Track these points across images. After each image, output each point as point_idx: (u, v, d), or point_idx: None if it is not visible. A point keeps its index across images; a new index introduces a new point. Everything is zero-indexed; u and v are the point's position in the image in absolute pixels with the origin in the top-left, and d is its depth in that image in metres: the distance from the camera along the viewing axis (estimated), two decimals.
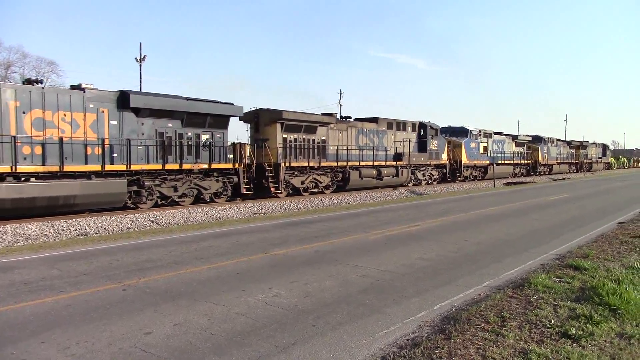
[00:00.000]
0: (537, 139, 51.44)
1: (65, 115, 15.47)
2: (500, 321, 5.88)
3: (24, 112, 14.60)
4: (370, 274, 8.34)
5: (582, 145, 65.19)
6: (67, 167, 15.30)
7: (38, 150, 14.88)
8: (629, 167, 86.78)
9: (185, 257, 9.72)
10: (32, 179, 14.62)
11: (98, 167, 16.03)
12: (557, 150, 55.51)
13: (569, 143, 62.37)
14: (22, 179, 14.44)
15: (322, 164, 24.21)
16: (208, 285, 7.66)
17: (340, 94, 75.80)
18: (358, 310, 6.46)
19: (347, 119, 27.46)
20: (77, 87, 16.23)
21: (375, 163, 27.39)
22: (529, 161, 48.93)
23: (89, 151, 15.95)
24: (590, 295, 6.61)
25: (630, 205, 19.80)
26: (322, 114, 25.58)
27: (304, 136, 23.78)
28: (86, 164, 15.80)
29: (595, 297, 6.49)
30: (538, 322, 5.85)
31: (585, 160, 64.27)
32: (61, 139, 15.15)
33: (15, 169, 14.24)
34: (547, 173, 51.72)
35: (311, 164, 23.71)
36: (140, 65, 41.39)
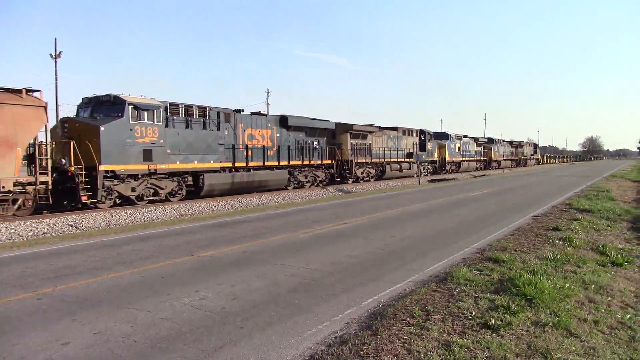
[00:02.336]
0: (490, 140, 63.59)
1: (259, 132, 24.11)
2: (424, 315, 6.06)
3: (244, 130, 23.16)
4: (299, 273, 8.35)
5: (519, 145, 78.46)
6: (269, 163, 24.69)
7: (250, 153, 23.40)
8: (542, 164, 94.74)
9: (106, 262, 9.33)
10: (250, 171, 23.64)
11: (275, 163, 25.19)
12: (503, 149, 68.38)
13: (510, 143, 75.19)
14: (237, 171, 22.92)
15: (373, 160, 34.28)
16: (131, 290, 7.39)
17: (268, 92, 75.26)
18: (287, 310, 6.45)
19: (381, 128, 36.34)
20: (258, 113, 25.17)
21: (399, 160, 37.62)
22: (485, 158, 60.10)
23: (269, 153, 24.70)
24: (508, 287, 6.94)
25: (544, 200, 21.00)
26: (365, 125, 34.23)
27: (361, 141, 32.84)
28: (265, 162, 24.45)
29: (513, 288, 6.82)
30: (460, 314, 6.07)
31: (522, 157, 77.11)
32: (263, 147, 24.27)
33: (247, 164, 23.23)
34: (496, 168, 62.14)
35: (366, 161, 33.56)
36: (56, 62, 39.39)
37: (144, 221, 15.88)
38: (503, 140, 71.47)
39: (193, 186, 20.80)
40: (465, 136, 54.12)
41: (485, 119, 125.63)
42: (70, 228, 14.35)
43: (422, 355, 4.91)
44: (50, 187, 15.61)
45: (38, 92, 15.70)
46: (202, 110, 20.85)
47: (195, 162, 20.34)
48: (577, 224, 13.44)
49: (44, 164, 15.69)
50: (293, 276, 8.18)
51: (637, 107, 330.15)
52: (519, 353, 4.96)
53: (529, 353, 4.97)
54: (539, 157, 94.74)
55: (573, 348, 5.13)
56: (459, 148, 51.48)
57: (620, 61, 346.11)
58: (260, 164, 23.97)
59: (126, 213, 16.77)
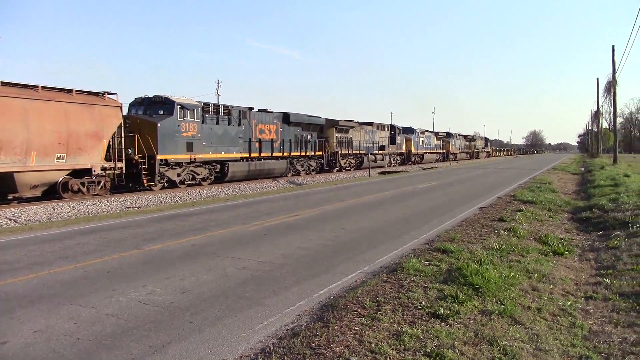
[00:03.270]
0: (448, 135, 69.71)
1: (267, 127, 28.07)
2: (375, 306, 6.11)
3: (256, 125, 26.92)
4: (249, 266, 8.27)
5: (473, 139, 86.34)
6: (276, 154, 28.91)
7: (260, 145, 27.30)
8: (490, 157, 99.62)
9: (47, 257, 8.96)
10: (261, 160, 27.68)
11: (280, 154, 29.34)
12: (459, 142, 75.44)
13: (465, 137, 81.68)
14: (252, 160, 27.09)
15: (354, 152, 38.96)
16: (74, 286, 7.13)
17: (218, 83, 74.08)
18: (237, 304, 6.37)
19: (360, 123, 40.97)
20: (265, 111, 28.65)
21: (374, 152, 42.50)
22: (444, 151, 65.58)
23: (275, 145, 28.70)
24: (456, 276, 7.09)
25: (490, 192, 21.62)
26: (348, 120, 38.91)
27: (344, 135, 37.63)
28: (272, 153, 28.53)
29: (461, 278, 6.97)
30: (410, 304, 6.16)
31: (474, 150, 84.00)
32: (271, 140, 28.43)
33: (259, 155, 27.40)
34: (453, 160, 67.44)
35: (348, 152, 38.28)
36: None
37: (88, 214, 15.38)
38: (459, 135, 77.51)
39: (219, 173, 25.00)
40: (427, 130, 60.67)
41: (434, 113, 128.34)
42: (9, 222, 13.72)
43: (373, 345, 4.95)
44: (124, 171, 19.41)
45: (115, 95, 19.08)
46: (227, 108, 25.02)
47: (222, 152, 24.60)
48: (521, 215, 13.89)
49: (119, 153, 19.15)
50: (243, 269, 8.10)
51: (577, 104, 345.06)
52: (466, 341, 5.07)
53: (476, 341, 5.09)
54: (489, 150, 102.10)
55: (518, 335, 5.29)
56: (422, 142, 57.31)
57: (562, 59, 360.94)
58: (269, 154, 28.33)
59: (69, 206, 16.18)
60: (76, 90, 17.59)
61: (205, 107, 23.40)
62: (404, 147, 51.10)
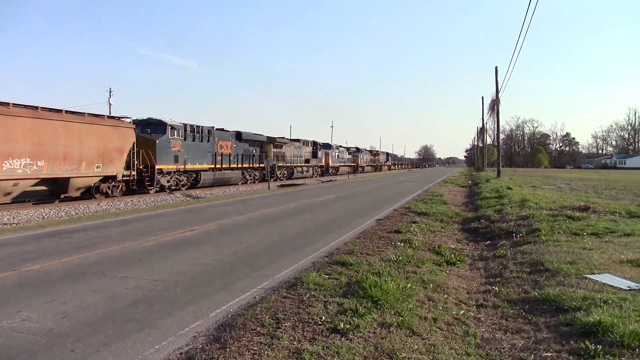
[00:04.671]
0: (357, 150, 79.27)
1: (225, 143, 33.95)
2: (275, 323, 5.94)
3: (217, 142, 32.69)
4: (141, 285, 7.77)
5: (377, 153, 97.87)
6: (232, 165, 34.98)
7: (221, 158, 33.10)
8: (389, 169, 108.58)
9: None
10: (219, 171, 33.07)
11: (235, 165, 35.55)
12: (366, 157, 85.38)
13: (370, 152, 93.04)
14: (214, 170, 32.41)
15: (286, 165, 46.11)
16: None
17: (110, 92, 70.32)
18: (126, 327, 5.92)
19: (291, 140, 48.79)
20: (222, 129, 34.46)
21: (301, 164, 50.45)
22: (354, 164, 74.62)
23: (231, 158, 34.68)
24: (356, 289, 7.10)
25: (386, 204, 22.29)
26: (281, 137, 45.95)
27: (279, 150, 44.43)
28: (230, 164, 34.51)
29: (360, 291, 6.99)
30: (310, 320, 6.06)
31: (378, 164, 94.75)
32: (229, 154, 34.51)
33: (215, 167, 32.38)
34: (361, 172, 77.28)
35: (282, 165, 45.18)
36: None
37: None
38: (365, 150, 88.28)
39: (194, 180, 30.67)
40: (341, 146, 70.77)
41: (332, 127, 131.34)
42: None
43: None
44: (135, 178, 24.75)
45: (129, 119, 24.88)
46: (200, 128, 30.87)
47: (197, 164, 30.46)
48: (415, 226, 14.39)
49: (133, 164, 24.40)
50: (134, 289, 7.59)
51: (465, 121, 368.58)
52: (366, 356, 5.04)
53: (376, 355, 5.08)
54: (390, 163, 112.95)
55: (416, 346, 5.35)
56: (338, 156, 66.16)
57: (450, 78, 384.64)
58: (228, 165, 34.22)
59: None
60: (107, 116, 23.33)
61: (186, 127, 29.28)
62: (323, 161, 59.05)
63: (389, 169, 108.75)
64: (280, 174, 44.86)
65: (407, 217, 16.93)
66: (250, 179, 38.90)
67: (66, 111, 20.46)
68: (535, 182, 42.41)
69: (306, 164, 51.93)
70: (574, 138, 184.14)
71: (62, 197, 21.49)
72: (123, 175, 23.66)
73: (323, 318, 6.07)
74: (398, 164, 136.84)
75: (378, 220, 16.30)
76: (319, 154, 57.06)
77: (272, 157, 41.66)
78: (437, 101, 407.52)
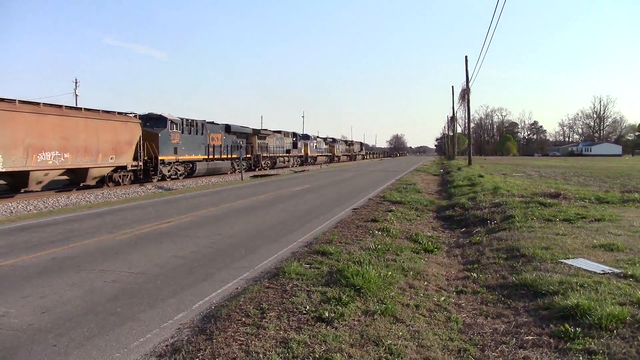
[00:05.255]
0: (334, 140, 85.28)
1: (216, 135, 36.82)
2: (260, 313, 5.96)
3: (209, 134, 35.58)
4: (120, 279, 7.69)
5: (352, 143, 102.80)
6: (223, 156, 37.74)
7: (212, 149, 35.93)
8: (363, 159, 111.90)
9: None
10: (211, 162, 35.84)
11: (226, 156, 38.39)
12: (342, 147, 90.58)
13: (346, 142, 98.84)
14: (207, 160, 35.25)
15: (270, 155, 49.36)
16: None
17: (76, 83, 68.55)
18: (108, 321, 5.87)
19: (273, 132, 51.59)
20: (213, 123, 37.07)
21: (283, 155, 54.14)
22: (330, 154, 78.55)
23: (222, 149, 37.63)
24: (338, 278, 7.15)
25: (361, 193, 22.42)
26: (265, 129, 50.26)
27: (263, 141, 47.56)
28: (222, 155, 37.64)
29: (342, 280, 7.05)
30: (295, 309, 6.09)
31: (353, 153, 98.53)
32: (220, 146, 37.35)
33: (208, 157, 35.32)
34: (337, 161, 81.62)
35: (266, 155, 48.17)
36: None
37: None
38: (341, 140, 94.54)
39: (190, 170, 33.36)
40: (318, 137, 74.28)
41: (303, 117, 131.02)
42: None
43: (260, 355, 4.79)
44: (142, 168, 27.68)
45: (134, 115, 27.62)
46: (195, 122, 33.64)
47: (193, 155, 33.27)
48: (391, 215, 14.53)
49: (138, 155, 27.01)
50: (114, 282, 7.51)
51: (435, 110, 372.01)
52: (353, 343, 5.10)
53: (362, 342, 5.15)
54: (364, 153, 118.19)
55: (400, 333, 5.44)
56: (316, 146, 69.67)
57: (421, 67, 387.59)
58: (219, 156, 37.20)
59: None
60: (117, 112, 25.84)
61: (183, 121, 32.12)
62: (303, 151, 62.43)
63: (363, 158, 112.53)
64: (264, 163, 47.96)
65: (383, 206, 17.08)
66: (238, 169, 41.41)
67: (85, 109, 23.35)
68: (505, 169, 43.18)
69: (287, 154, 55.55)
70: (541, 126, 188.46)
71: (81, 185, 24.33)
72: (132, 166, 26.65)
73: (307, 307, 6.12)
74: (370, 153, 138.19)
75: (354, 209, 16.40)
76: (299, 144, 60.72)
77: (257, 148, 45.81)
78: (408, 90, 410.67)
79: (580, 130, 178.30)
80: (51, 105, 21.25)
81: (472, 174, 30.96)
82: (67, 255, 9.38)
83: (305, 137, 66.74)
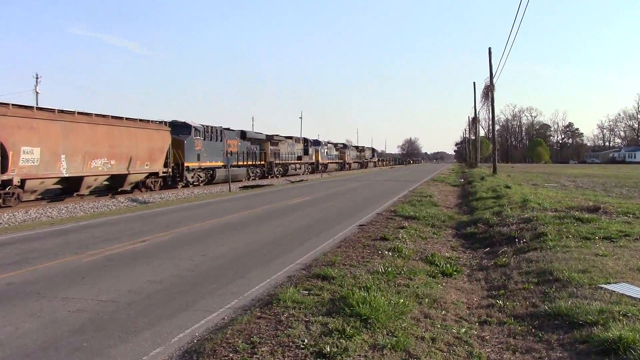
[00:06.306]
0: (344, 146, 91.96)
1: (232, 142, 41.96)
2: (250, 348, 5.94)
3: (227, 142, 40.74)
4: (87, 308, 7.67)
5: (362, 149, 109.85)
6: (239, 163, 43.24)
7: (229, 156, 39.20)
8: (375, 166, 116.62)
9: None
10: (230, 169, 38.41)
11: (242, 163, 44.09)
12: (353, 153, 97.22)
13: (357, 148, 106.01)
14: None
15: (282, 162, 54.55)
16: None
17: (37, 79, 68.67)
18: (72, 357, 5.84)
19: (285, 137, 57.25)
20: (228, 129, 42.13)
21: (295, 162, 59.53)
22: (341, 161, 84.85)
23: (237, 156, 42.70)
24: (341, 307, 7.13)
25: (367, 207, 22.44)
26: (276, 135, 54.81)
27: (275, 147, 52.60)
28: (237, 162, 42.74)
29: (346, 308, 7.03)
30: (291, 343, 6.07)
31: (364, 160, 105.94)
32: (236, 152, 42.51)
33: (231, 164, 38.36)
34: (348, 169, 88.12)
35: (278, 162, 53.35)
36: None
37: None
38: (352, 146, 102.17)
39: (211, 177, 38.57)
40: (329, 142, 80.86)
41: (301, 118, 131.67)
42: None
43: None
44: (171, 174, 33.01)
45: (165, 123, 32.85)
46: (215, 129, 38.78)
47: (214, 162, 38.02)
48: (404, 232, 14.53)
49: (168, 162, 31.95)
50: (79, 312, 7.49)
51: (453, 110, 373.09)
52: None
53: None
54: (376, 160, 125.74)
55: None
56: (327, 152, 75.23)
57: (437, 62, 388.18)
58: (235, 163, 41.41)
59: None
60: (151, 121, 31.17)
61: (205, 128, 37.06)
62: (314, 158, 67.82)
63: (375, 165, 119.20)
64: (276, 171, 52.80)
65: (394, 221, 17.08)
66: (253, 176, 47.07)
67: (126, 118, 28.45)
68: (536, 179, 43.27)
69: (299, 161, 61.32)
70: (577, 129, 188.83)
71: (119, 190, 28.85)
72: (162, 172, 31.53)
73: (305, 341, 6.09)
74: (380, 160, 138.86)
75: (361, 226, 16.40)
76: (310, 150, 66.68)
77: (270, 155, 51.01)
78: (422, 89, 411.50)
79: (622, 134, 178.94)
80: (101, 115, 26.52)
81: (498, 185, 31.00)
82: (26, 280, 9.36)
83: (316, 142, 72.42)
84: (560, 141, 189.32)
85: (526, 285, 8.78)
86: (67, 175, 23.46)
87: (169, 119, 35.42)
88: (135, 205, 24.67)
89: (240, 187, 37.60)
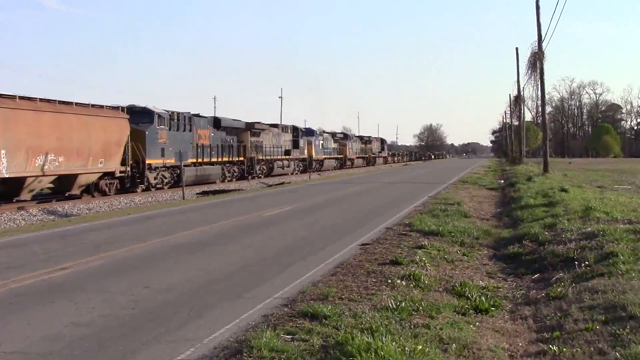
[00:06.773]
0: (345, 136, 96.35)
1: (203, 132, 44.03)
2: None
3: (197, 131, 42.96)
4: None
5: (369, 140, 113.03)
6: (212, 159, 45.58)
7: (200, 150, 43.08)
8: (386, 162, 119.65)
9: None
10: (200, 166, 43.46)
11: (215, 159, 46.22)
12: (356, 145, 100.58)
13: (361, 138, 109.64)
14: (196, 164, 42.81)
15: (265, 157, 57.04)
16: None
17: None
18: None
19: (270, 125, 60.27)
20: (198, 115, 44.32)
21: (281, 157, 62.03)
22: (341, 156, 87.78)
23: (211, 150, 44.99)
24: (337, 357, 7.09)
25: (373, 219, 22.46)
26: (257, 123, 56.16)
27: (257, 139, 54.97)
28: (210, 158, 45.08)
29: (344, 359, 6.99)
30: None
31: (371, 155, 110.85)
32: (208, 145, 45.02)
33: (197, 161, 42.62)
34: (350, 166, 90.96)
35: (261, 158, 55.86)
36: None
37: None
38: (354, 135, 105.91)
39: (178, 176, 38.46)
40: (325, 132, 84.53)
41: (281, 97, 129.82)
42: None
43: None
44: (130, 174, 34.15)
45: (122, 108, 33.61)
46: (182, 116, 39.81)
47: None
48: (423, 253, 14.52)
49: (126, 158, 32.88)
50: None
51: (489, 88, 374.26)
52: None
53: None
54: (386, 154, 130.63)
55: None
56: (322, 145, 78.21)
57: (466, 23, 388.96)
58: (208, 160, 43.96)
59: None
60: (106, 106, 31.98)
61: (170, 114, 37.68)
62: (306, 152, 70.05)
63: (385, 161, 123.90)
64: (259, 169, 55.34)
65: (409, 238, 17.08)
66: (229, 176, 48.91)
67: (76, 103, 29.70)
68: (602, 179, 43.46)
69: (287, 157, 64.10)
70: None
71: (67, 194, 30.26)
72: (119, 171, 32.28)
73: None
74: (390, 154, 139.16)
75: (364, 245, 16.39)
76: (301, 142, 69.46)
77: (251, 149, 53.19)
78: (446, 58, 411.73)
79: None
80: (48, 100, 27.34)
81: (550, 187, 31.07)
82: None
83: (309, 132, 75.50)
84: (636, 127, 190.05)
85: (590, 325, 8.77)
86: (7, 176, 24.21)
87: (105, 102, 35.59)
88: (54, 219, 24.61)
89: (197, 194, 37.61)
